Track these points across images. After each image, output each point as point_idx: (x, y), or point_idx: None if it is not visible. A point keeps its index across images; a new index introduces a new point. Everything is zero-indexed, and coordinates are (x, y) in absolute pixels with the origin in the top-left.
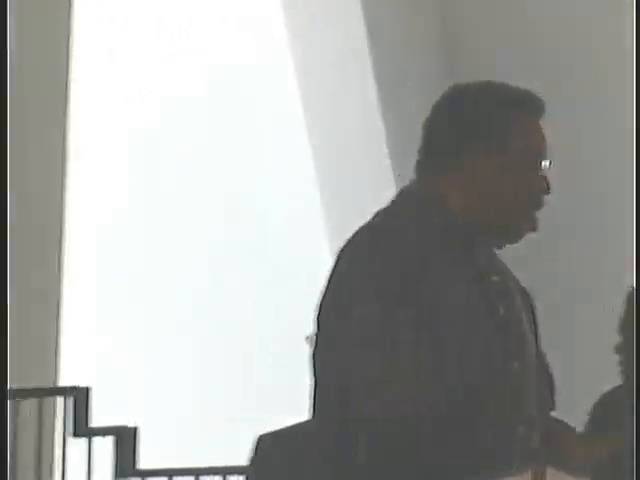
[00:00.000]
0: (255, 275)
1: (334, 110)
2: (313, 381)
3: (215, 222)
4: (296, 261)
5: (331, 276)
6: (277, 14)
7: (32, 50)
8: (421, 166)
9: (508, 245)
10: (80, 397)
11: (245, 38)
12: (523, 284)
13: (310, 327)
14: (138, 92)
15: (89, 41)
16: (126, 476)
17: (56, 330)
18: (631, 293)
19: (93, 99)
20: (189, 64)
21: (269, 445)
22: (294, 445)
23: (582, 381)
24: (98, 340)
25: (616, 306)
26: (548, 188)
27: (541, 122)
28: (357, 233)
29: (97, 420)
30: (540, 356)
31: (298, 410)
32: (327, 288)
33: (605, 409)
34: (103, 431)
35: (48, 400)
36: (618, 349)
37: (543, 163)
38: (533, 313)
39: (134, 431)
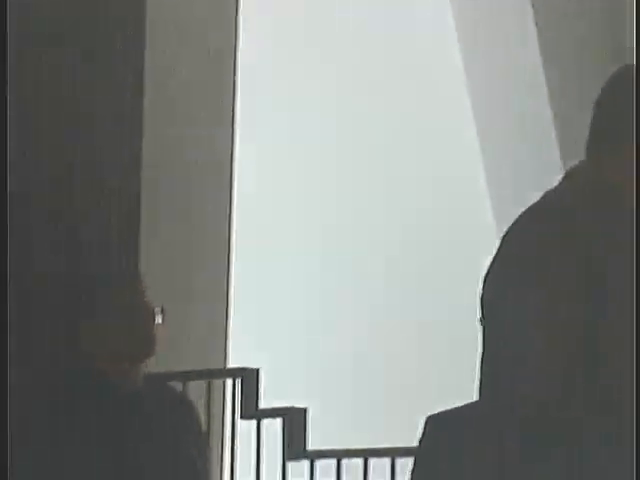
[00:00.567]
0: (419, 260)
1: (500, 93)
2: (480, 363)
3: (383, 204)
4: (460, 246)
5: (496, 260)
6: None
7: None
8: (590, 148)
9: None
10: (249, 379)
11: (413, 38)
12: None
13: (474, 312)
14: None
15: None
16: (295, 458)
17: (225, 312)
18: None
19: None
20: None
21: (437, 426)
22: (462, 426)
23: None
24: (267, 321)
25: None
26: None
27: None
28: (523, 216)
29: (266, 402)
30: None
31: (464, 392)
32: (492, 272)
33: None
34: (272, 412)
35: (217, 382)
36: None
37: None
38: None
39: (304, 412)
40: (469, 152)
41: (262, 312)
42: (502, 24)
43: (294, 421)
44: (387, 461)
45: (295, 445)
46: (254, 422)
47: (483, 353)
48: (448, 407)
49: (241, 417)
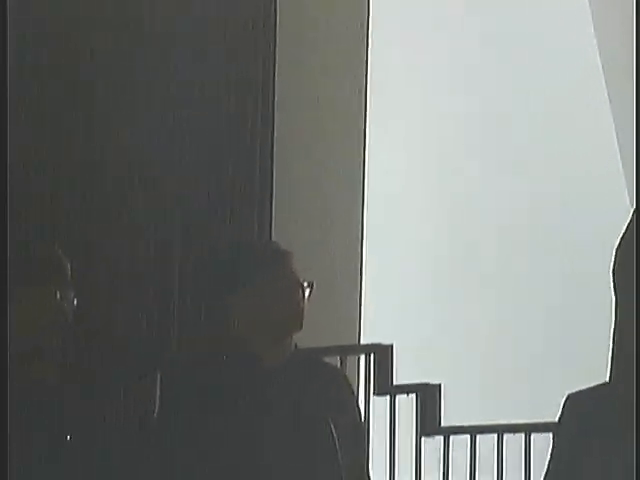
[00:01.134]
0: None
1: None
2: (611, 342)
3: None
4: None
5: (628, 230)
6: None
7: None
8: None
9: None
10: (382, 355)
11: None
12: None
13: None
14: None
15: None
16: (430, 434)
17: (359, 288)
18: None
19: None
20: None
21: (577, 404)
22: (600, 405)
23: None
24: (400, 297)
25: None
26: None
27: None
28: None
29: (400, 378)
30: None
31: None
32: (624, 243)
33: None
34: (406, 389)
35: (351, 359)
36: None
37: None
38: None
39: (438, 388)
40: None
41: (395, 289)
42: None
43: (428, 397)
44: (521, 437)
45: (429, 421)
46: (387, 398)
47: (614, 327)
48: (582, 386)
49: (375, 393)
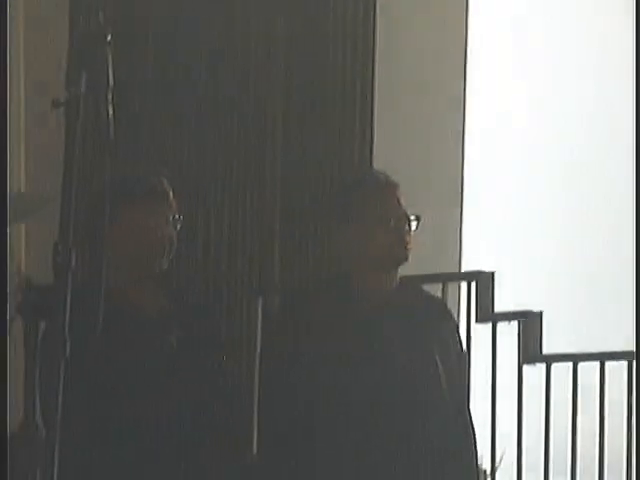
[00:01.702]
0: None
1: None
2: None
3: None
4: None
5: None
6: None
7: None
8: None
9: None
10: (484, 282)
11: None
12: None
13: None
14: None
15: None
16: (532, 361)
17: (460, 215)
18: None
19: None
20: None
21: None
22: None
23: None
24: (501, 224)
25: None
26: None
27: None
28: None
29: (502, 305)
30: None
31: None
32: None
33: None
34: (508, 316)
35: (452, 285)
36: None
37: None
38: None
39: (540, 316)
40: None
41: (497, 215)
42: None
43: (530, 325)
44: (624, 364)
45: (531, 349)
46: (489, 325)
47: None
48: None
49: (476, 320)
